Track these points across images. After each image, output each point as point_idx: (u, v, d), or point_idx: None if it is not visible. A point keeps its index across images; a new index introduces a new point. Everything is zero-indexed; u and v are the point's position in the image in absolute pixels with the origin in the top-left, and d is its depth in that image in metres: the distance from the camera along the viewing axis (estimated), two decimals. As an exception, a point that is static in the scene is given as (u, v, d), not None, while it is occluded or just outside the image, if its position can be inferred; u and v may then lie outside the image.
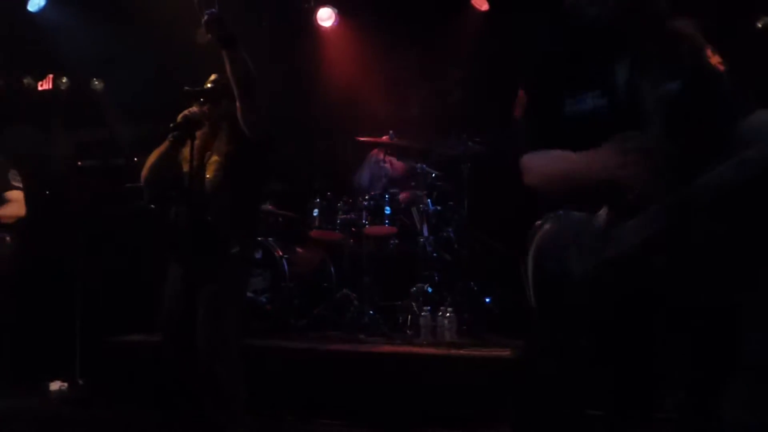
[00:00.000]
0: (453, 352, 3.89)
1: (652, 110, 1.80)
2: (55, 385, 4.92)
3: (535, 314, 1.88)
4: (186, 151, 3.00)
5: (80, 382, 4.96)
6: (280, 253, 4.80)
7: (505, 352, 3.81)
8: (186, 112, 3.01)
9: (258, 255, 4.72)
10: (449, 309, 4.24)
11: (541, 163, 1.92)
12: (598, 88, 1.85)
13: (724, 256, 1.71)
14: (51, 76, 6.48)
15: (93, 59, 5.76)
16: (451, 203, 5.13)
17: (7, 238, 4.38)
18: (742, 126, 1.74)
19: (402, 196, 5.00)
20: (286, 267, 4.75)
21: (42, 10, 5.56)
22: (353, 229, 4.88)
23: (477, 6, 5.91)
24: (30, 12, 5.55)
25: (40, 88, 6.50)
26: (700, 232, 1.69)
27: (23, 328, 5.23)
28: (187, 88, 3.04)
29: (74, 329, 5.14)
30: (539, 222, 1.89)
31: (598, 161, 1.73)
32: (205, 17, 2.72)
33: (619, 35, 1.86)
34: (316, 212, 4.93)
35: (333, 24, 6.14)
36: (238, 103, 2.89)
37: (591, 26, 1.87)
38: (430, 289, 4.65)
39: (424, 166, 5.05)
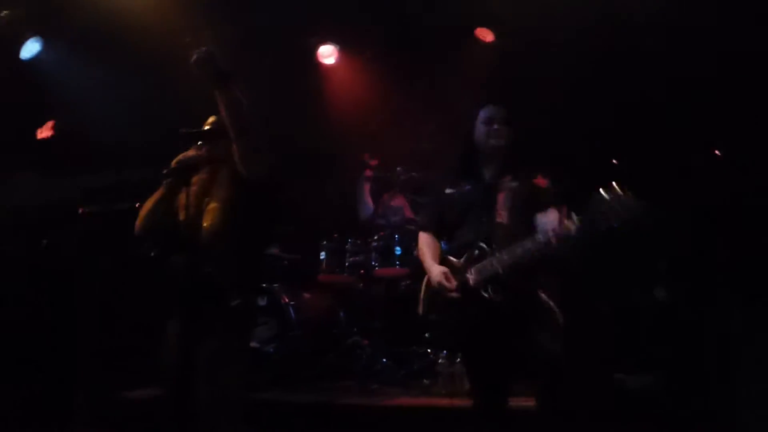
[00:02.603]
0: (474, 403, 3.61)
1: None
2: (56, 445, 4.69)
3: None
4: (182, 198, 2.83)
5: (83, 440, 4.75)
6: (287, 300, 4.59)
7: (530, 401, 3.53)
8: (180, 156, 2.85)
9: (263, 302, 4.51)
10: (468, 355, 3.97)
11: (419, 247, 3.10)
12: (466, 180, 2.94)
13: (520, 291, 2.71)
14: (51, 122, 6.39)
15: (90, 103, 5.64)
16: (465, 240, 4.90)
17: None
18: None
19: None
20: (293, 314, 4.54)
21: (36, 57, 5.46)
22: (363, 271, 4.67)
23: (481, 37, 5.79)
24: (24, 59, 5.45)
25: (39, 136, 6.40)
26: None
27: (22, 385, 5.04)
28: (184, 130, 2.87)
29: (81, 385, 4.95)
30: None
31: (433, 278, 2.89)
32: (195, 56, 2.58)
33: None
34: (323, 255, 4.74)
35: (335, 61, 6.03)
36: (234, 145, 2.73)
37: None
38: (446, 333, 4.40)
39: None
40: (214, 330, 2.72)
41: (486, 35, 5.78)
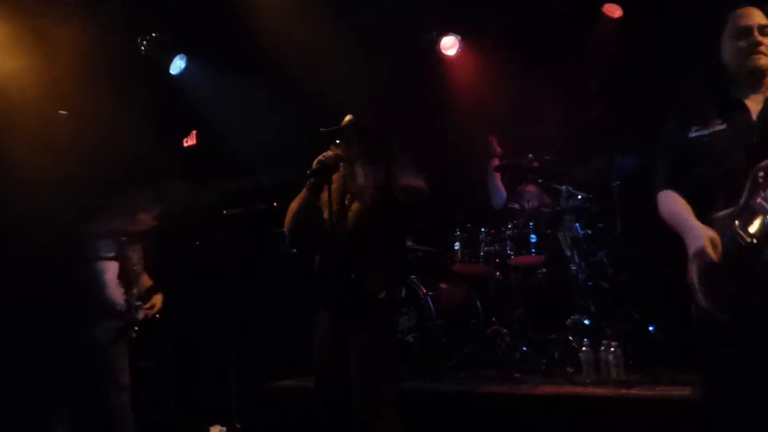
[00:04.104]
0: (623, 391, 3.52)
1: None
2: (215, 430, 5.05)
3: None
4: (325, 196, 2.96)
5: (238, 426, 5.07)
6: (425, 291, 4.65)
7: (683, 391, 3.39)
8: (321, 156, 2.96)
9: (403, 293, 4.61)
10: (612, 342, 3.86)
11: (666, 209, 2.33)
12: (719, 117, 2.25)
13: None
14: (194, 132, 6.85)
15: (232, 112, 6.00)
16: (602, 225, 4.76)
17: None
18: None
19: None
20: (431, 304, 4.59)
21: (182, 73, 5.92)
22: (498, 260, 4.66)
23: (609, 14, 5.58)
24: (172, 75, 5.92)
25: (185, 144, 6.87)
26: None
27: (184, 377, 5.46)
28: (322, 129, 3.00)
29: (230, 376, 5.29)
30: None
31: (691, 241, 2.15)
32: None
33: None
34: (457, 245, 4.78)
35: (457, 51, 6.03)
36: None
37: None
38: (587, 321, 4.30)
39: (570, 188, 4.73)
40: (363, 323, 2.83)
41: (614, 11, 5.57)
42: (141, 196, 4.39)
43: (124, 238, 4.14)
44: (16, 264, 4.71)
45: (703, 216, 2.19)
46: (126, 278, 4.09)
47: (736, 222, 2.11)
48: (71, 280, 4.14)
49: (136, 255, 4.24)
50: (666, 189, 2.34)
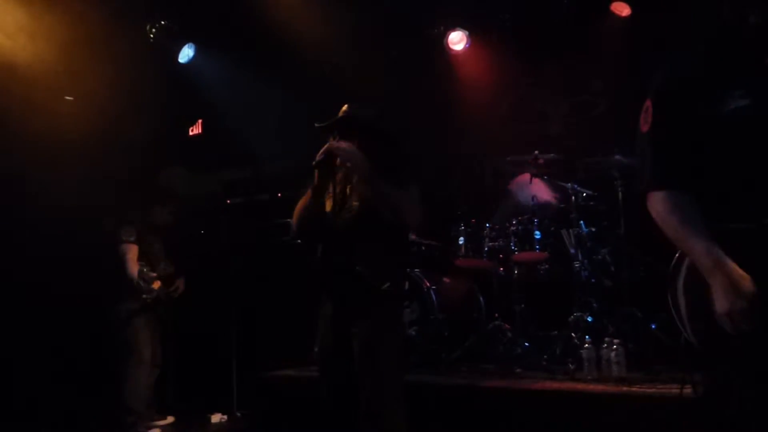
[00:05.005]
0: (624, 389, 3.54)
1: None
2: (215, 417, 5.11)
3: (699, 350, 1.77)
4: (329, 187, 2.96)
5: (238, 414, 5.11)
6: (428, 284, 4.67)
7: (685, 389, 3.40)
8: (325, 147, 2.94)
9: (405, 287, 4.62)
10: (615, 340, 3.88)
11: (671, 221, 1.75)
12: (741, 87, 1.69)
13: None
14: (200, 120, 6.87)
15: (239, 101, 6.01)
16: (606, 223, 4.77)
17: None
18: None
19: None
20: (434, 298, 4.61)
21: (191, 62, 5.92)
22: (501, 256, 4.67)
23: (617, 12, 5.58)
24: (180, 63, 5.92)
25: (190, 133, 6.89)
26: None
27: (186, 365, 5.49)
28: (317, 124, 2.99)
29: (232, 364, 5.32)
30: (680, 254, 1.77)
31: (720, 291, 1.59)
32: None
33: None
34: (461, 240, 4.78)
35: (465, 47, 6.03)
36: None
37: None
38: (589, 318, 4.32)
39: (575, 185, 4.74)
40: (368, 314, 2.83)
41: (622, 9, 5.57)
42: (159, 192, 5.14)
43: (141, 226, 4.86)
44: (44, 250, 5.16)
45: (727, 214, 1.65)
46: (147, 260, 4.79)
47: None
48: (101, 264, 4.90)
49: (157, 242, 4.96)
50: (669, 189, 1.76)
